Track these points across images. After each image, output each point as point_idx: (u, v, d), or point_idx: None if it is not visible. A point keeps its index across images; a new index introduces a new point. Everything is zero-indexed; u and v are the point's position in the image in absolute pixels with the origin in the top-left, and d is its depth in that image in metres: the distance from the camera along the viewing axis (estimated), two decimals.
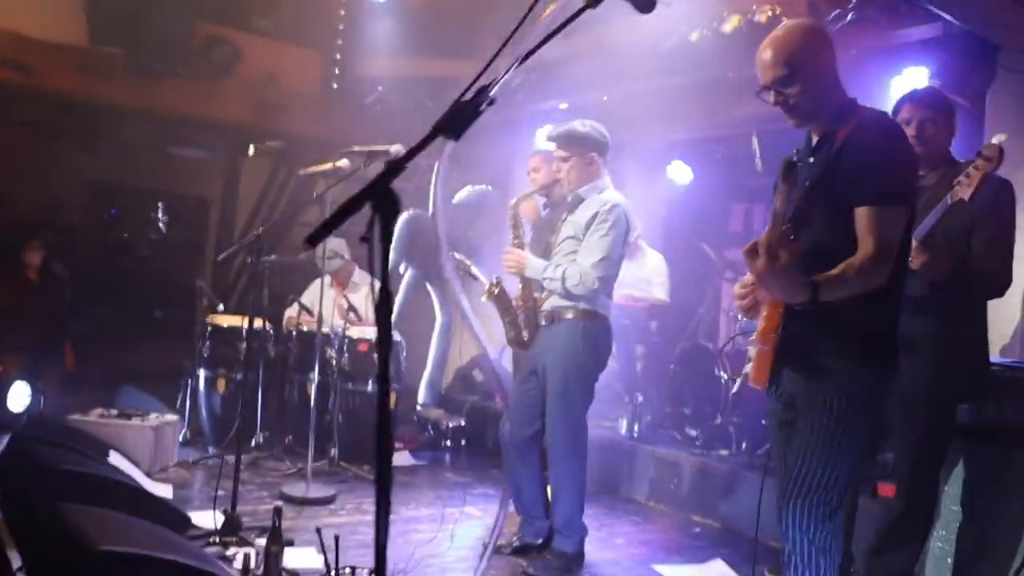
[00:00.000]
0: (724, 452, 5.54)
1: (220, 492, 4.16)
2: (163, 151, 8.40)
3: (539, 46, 1.92)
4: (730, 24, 4.64)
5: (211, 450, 5.99)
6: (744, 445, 5.51)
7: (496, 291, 4.22)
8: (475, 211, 7.59)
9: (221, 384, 6.09)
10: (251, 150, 8.91)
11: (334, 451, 5.76)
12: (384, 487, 1.70)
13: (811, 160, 2.62)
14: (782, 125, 5.67)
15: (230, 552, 3.78)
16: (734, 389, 2.90)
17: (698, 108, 6.25)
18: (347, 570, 3.43)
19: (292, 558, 3.71)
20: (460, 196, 7.24)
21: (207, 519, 4.20)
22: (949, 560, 3.58)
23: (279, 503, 3.36)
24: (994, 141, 2.91)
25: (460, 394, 7.84)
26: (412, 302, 8.60)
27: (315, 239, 1.62)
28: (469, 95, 1.82)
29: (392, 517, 4.85)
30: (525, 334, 4.22)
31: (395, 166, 1.70)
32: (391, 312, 1.66)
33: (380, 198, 1.67)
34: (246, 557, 3.30)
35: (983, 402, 3.51)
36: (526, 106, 6.88)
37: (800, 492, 2.50)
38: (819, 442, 2.50)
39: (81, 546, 2.46)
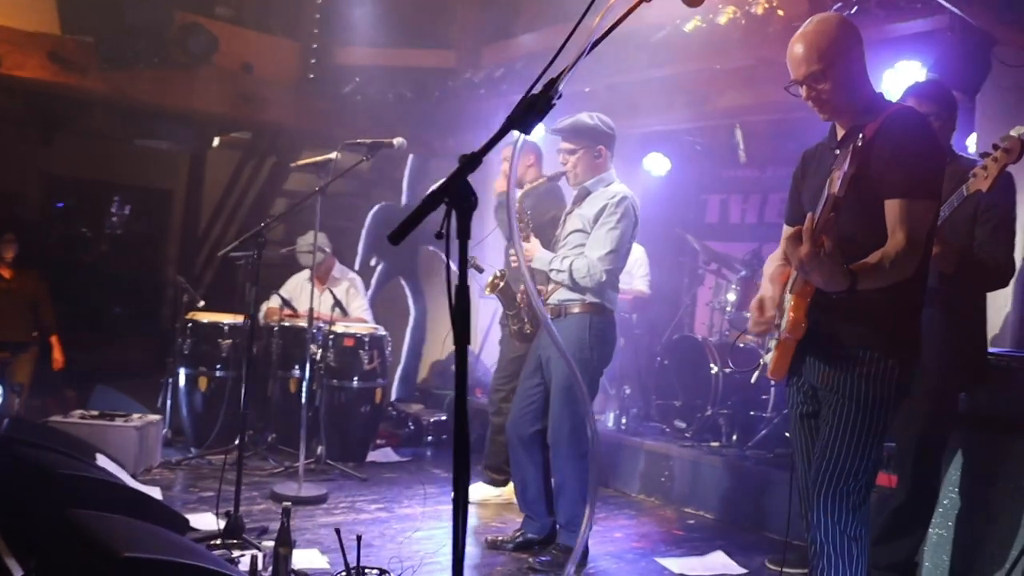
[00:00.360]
0: (715, 444, 5.55)
1: (210, 493, 4.07)
2: (132, 143, 8.17)
3: (605, 35, 1.90)
4: (725, 16, 4.63)
5: (193, 450, 5.86)
6: (735, 436, 5.55)
7: (500, 284, 4.17)
8: None
9: (203, 382, 5.93)
10: (215, 141, 8.70)
11: (321, 449, 5.65)
12: (462, 503, 1.66)
13: (836, 152, 2.62)
14: (765, 117, 5.73)
15: (235, 555, 3.70)
16: (753, 379, 2.89)
17: (681, 100, 6.23)
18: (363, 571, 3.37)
19: (296, 559, 3.63)
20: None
21: (204, 521, 4.11)
22: (948, 548, 3.62)
23: (287, 503, 3.29)
24: (1012, 133, 2.93)
25: (439, 388, 7.78)
26: (383, 296, 8.51)
27: (396, 237, 1.57)
28: (538, 88, 1.78)
29: (387, 515, 4.82)
30: (528, 327, 4.19)
31: (468, 162, 1.66)
32: (469, 313, 1.61)
33: (456, 195, 1.63)
34: (253, 559, 3.21)
35: (980, 391, 3.56)
36: (507, 96, 6.79)
37: (831, 482, 2.52)
38: (847, 432, 2.52)
39: (104, 554, 2.37)
